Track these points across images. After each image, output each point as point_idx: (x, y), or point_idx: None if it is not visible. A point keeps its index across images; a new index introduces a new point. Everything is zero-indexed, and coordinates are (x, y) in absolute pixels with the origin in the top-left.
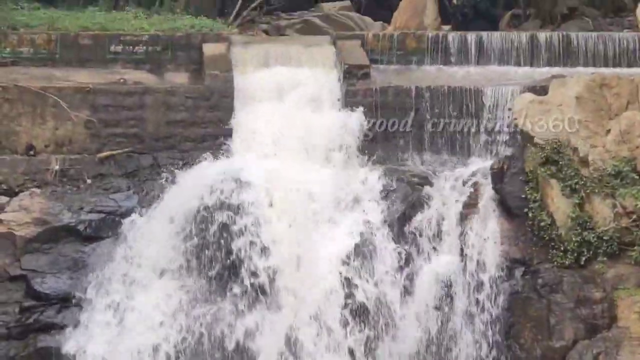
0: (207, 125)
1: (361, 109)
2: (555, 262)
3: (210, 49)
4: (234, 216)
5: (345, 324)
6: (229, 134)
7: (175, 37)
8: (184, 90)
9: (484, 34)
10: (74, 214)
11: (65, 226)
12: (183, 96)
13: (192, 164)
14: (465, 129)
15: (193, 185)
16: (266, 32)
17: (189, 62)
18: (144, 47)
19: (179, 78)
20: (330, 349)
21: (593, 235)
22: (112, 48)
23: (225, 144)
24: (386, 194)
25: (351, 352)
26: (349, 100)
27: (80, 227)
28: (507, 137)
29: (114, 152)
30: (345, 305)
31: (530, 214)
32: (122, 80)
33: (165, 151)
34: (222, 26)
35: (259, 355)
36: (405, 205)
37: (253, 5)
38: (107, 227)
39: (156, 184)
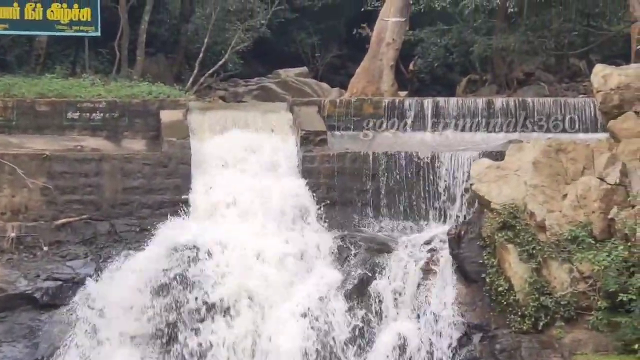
0: (164, 192)
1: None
2: (513, 327)
3: (167, 115)
4: (190, 284)
5: None
6: (186, 200)
7: (132, 103)
8: (141, 157)
9: (441, 99)
10: (30, 282)
11: (21, 294)
12: (140, 163)
13: (150, 231)
14: (423, 194)
15: (150, 253)
16: (223, 98)
17: (146, 129)
18: (101, 114)
19: (136, 145)
20: None
21: (550, 300)
22: (69, 115)
23: (182, 210)
24: (344, 259)
25: None
26: (306, 166)
27: (37, 295)
28: (464, 203)
29: (70, 219)
30: None
31: (487, 279)
32: (79, 147)
33: (123, 218)
34: (179, 93)
35: None
36: (363, 271)
37: (210, 71)
38: (64, 294)
39: (113, 251)
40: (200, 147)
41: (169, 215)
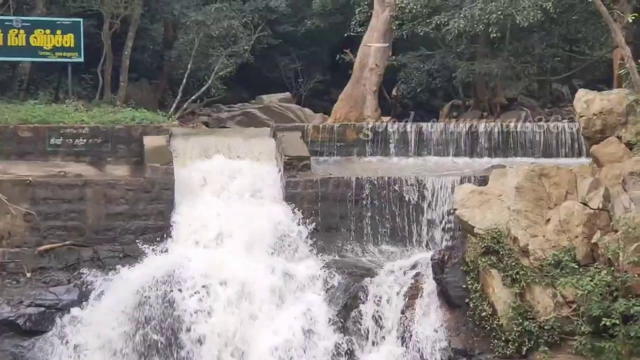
0: (148, 218)
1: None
2: (497, 352)
3: (150, 141)
4: (175, 313)
5: None
6: (170, 226)
7: (115, 129)
8: (124, 182)
9: (424, 124)
10: (13, 308)
11: (4, 320)
12: (123, 188)
13: (133, 257)
14: (406, 220)
15: (134, 280)
16: (206, 123)
17: (129, 155)
18: (84, 140)
19: (119, 170)
20: None
21: (534, 325)
22: (52, 141)
23: (166, 236)
24: (328, 285)
25: None
26: (290, 192)
27: (20, 321)
28: (448, 228)
29: (54, 246)
30: None
31: (471, 304)
32: (62, 173)
33: (106, 244)
34: (162, 118)
35: None
36: (347, 297)
37: (193, 97)
38: (47, 321)
39: (97, 278)
40: (184, 173)
41: (152, 241)
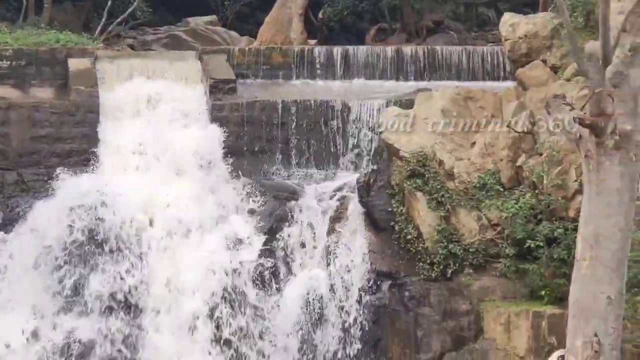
0: (72, 141)
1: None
2: (422, 275)
3: (75, 64)
4: (99, 233)
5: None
6: (95, 149)
7: (39, 51)
8: (49, 105)
9: (350, 48)
10: None
11: None
12: (48, 111)
13: (58, 180)
14: (332, 143)
15: (59, 203)
16: (132, 46)
17: (54, 77)
18: (8, 62)
19: (44, 93)
20: None
21: (459, 247)
22: None
23: (91, 159)
24: (253, 208)
25: None
26: (216, 115)
27: None
28: (374, 151)
29: None
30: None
31: (396, 227)
32: None
33: (31, 167)
34: (87, 41)
35: None
36: (272, 220)
37: (118, 20)
38: None
39: (21, 201)
40: (109, 96)
41: (78, 164)
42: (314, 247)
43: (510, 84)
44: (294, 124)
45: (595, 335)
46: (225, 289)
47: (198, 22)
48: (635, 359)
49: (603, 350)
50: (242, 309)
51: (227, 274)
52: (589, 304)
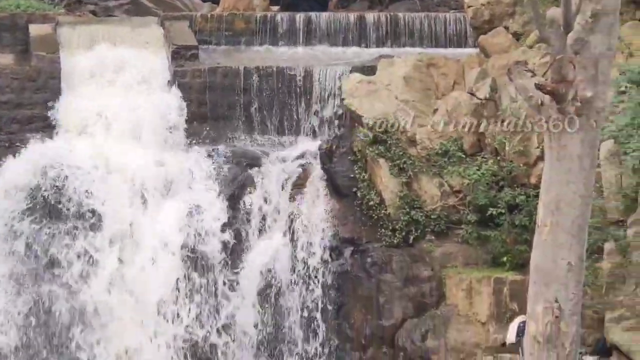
0: (34, 107)
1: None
2: (384, 241)
3: (36, 29)
4: (61, 199)
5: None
6: (56, 115)
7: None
8: (9, 71)
9: (313, 14)
10: None
11: None
12: (9, 77)
13: (20, 146)
14: (294, 109)
15: (20, 169)
16: (94, 12)
17: (14, 43)
18: None
19: (4, 59)
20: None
21: (421, 214)
22: None
23: (52, 125)
24: (215, 175)
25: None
26: (178, 81)
27: None
28: (336, 117)
29: None
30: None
31: (359, 194)
32: None
33: None
34: (48, 7)
35: None
36: (234, 187)
37: None
38: None
39: None
40: (70, 62)
41: (38, 130)
42: (276, 214)
43: (472, 51)
44: (256, 90)
45: (556, 301)
46: (185, 258)
47: None
48: (595, 324)
49: (563, 315)
50: (204, 276)
51: (187, 242)
52: (549, 270)
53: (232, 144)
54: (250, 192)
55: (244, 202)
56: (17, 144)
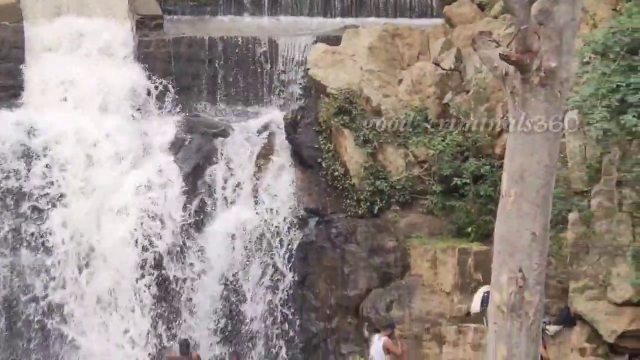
0: None
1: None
2: (349, 212)
3: None
4: (26, 167)
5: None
6: (20, 85)
7: None
8: None
9: None
10: None
11: None
12: None
13: None
14: (259, 80)
15: None
16: None
17: None
18: None
19: None
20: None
21: (386, 184)
22: None
23: (16, 95)
24: (180, 145)
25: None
26: (142, 51)
27: None
28: (301, 88)
29: None
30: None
31: (323, 164)
32: None
33: None
34: None
35: None
36: (199, 157)
37: None
38: None
39: None
40: (34, 31)
41: (1, 100)
42: (241, 184)
43: (437, 21)
44: (221, 60)
45: (520, 270)
46: (147, 230)
47: None
48: (559, 294)
49: (527, 285)
50: (167, 243)
51: (151, 211)
52: (513, 240)
53: (197, 114)
54: (215, 162)
55: (209, 172)
56: None
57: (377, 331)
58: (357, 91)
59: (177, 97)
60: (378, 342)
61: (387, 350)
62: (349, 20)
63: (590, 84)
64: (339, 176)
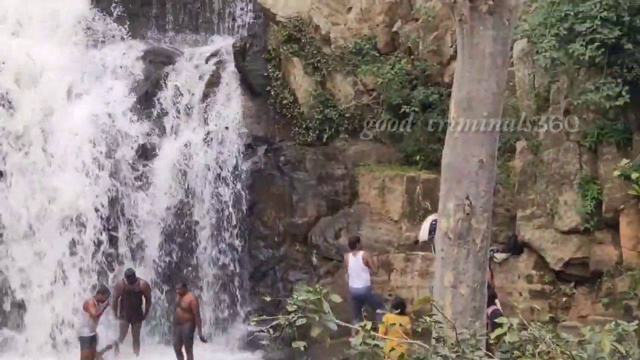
0: None
1: None
2: (298, 140)
3: None
4: None
5: None
6: None
7: None
8: None
9: None
10: None
11: None
12: None
13: None
14: (208, 7)
15: None
16: None
17: None
18: None
19: None
20: None
21: (335, 112)
22: None
23: None
24: (129, 72)
25: None
26: None
27: None
28: (250, 15)
29: None
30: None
31: (272, 92)
32: None
33: None
34: None
35: None
36: (148, 84)
37: None
38: None
39: None
40: None
41: None
42: (189, 112)
43: None
44: None
45: (467, 197)
46: (96, 155)
47: None
48: (507, 222)
49: (474, 212)
50: (117, 174)
51: (102, 137)
52: (461, 167)
53: (147, 40)
54: (164, 89)
55: (157, 98)
56: None
57: (345, 251)
58: (307, 19)
59: (126, 24)
60: (355, 258)
61: (366, 262)
62: None
63: (539, 13)
64: (288, 104)
